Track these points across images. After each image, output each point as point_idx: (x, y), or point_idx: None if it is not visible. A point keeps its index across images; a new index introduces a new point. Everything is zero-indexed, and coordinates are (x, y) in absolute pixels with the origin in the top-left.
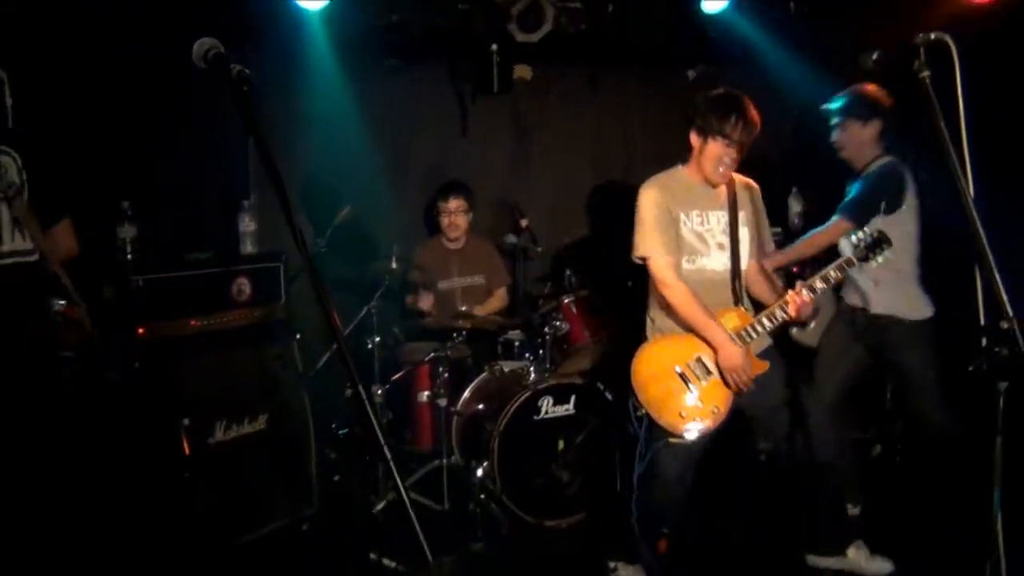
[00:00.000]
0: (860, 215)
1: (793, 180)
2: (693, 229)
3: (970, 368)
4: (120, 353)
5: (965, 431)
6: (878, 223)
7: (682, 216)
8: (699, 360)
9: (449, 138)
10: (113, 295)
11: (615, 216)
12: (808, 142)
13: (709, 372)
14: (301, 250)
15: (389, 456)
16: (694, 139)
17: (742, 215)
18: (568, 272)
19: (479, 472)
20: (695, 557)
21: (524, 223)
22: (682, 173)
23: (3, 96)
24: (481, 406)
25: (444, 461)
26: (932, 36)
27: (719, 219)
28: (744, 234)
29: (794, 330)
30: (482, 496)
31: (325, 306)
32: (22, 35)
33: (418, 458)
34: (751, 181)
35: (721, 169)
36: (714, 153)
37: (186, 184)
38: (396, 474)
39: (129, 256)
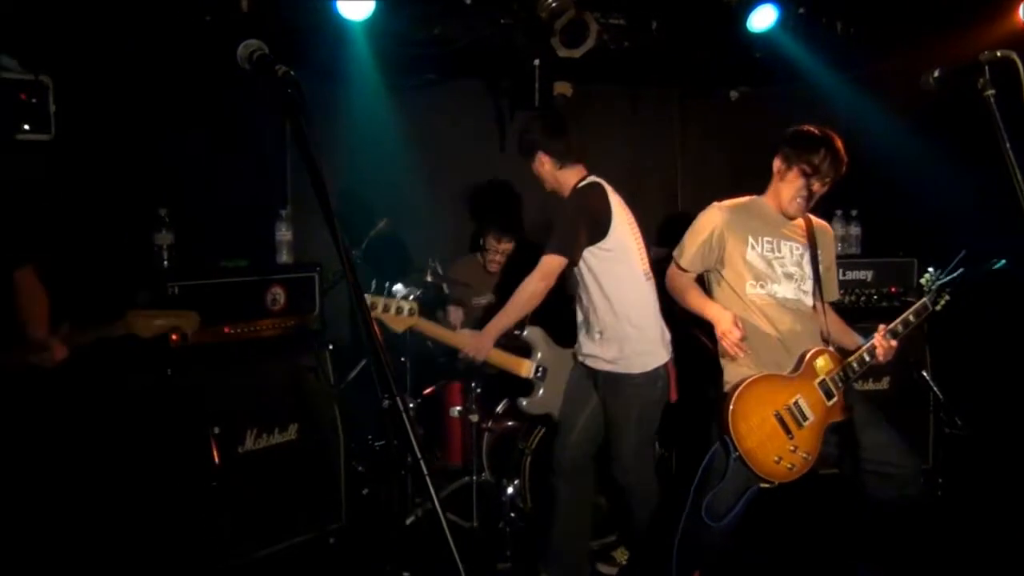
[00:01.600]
0: (566, 248)
1: (837, 204)
2: (762, 255)
3: None
4: (153, 359)
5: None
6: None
7: (750, 240)
8: (797, 404)
9: (487, 153)
10: (148, 301)
11: (649, 237)
12: (854, 165)
13: (806, 418)
14: (341, 255)
15: (425, 470)
16: (778, 165)
17: (820, 254)
18: None
19: (510, 490)
20: None
21: None
22: (759, 201)
23: (47, 102)
24: (513, 423)
25: (474, 478)
26: (998, 54)
27: (792, 250)
28: (822, 272)
29: (523, 401)
30: (512, 515)
31: (365, 314)
32: (66, 41)
33: (448, 474)
34: (827, 225)
35: (799, 200)
36: (795, 183)
37: (224, 192)
38: (431, 488)
39: (165, 263)
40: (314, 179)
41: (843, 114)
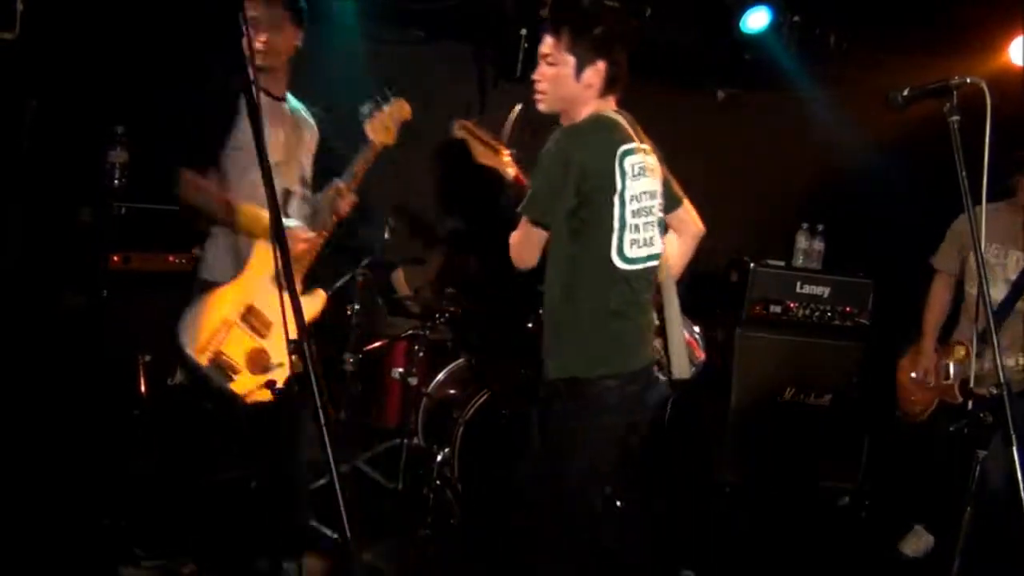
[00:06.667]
0: None
1: (804, 217)
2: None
3: (951, 428)
4: (89, 278)
5: None
6: None
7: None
8: None
9: (463, 118)
10: (91, 217)
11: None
12: (827, 181)
13: None
14: (269, 200)
15: (323, 420)
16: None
17: None
18: None
19: (439, 458)
20: None
21: None
22: (1001, 208)
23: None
24: (453, 391)
25: (405, 441)
26: (968, 80)
27: (1019, 260)
28: None
29: None
30: (438, 482)
31: (283, 257)
32: None
33: (380, 434)
34: None
35: None
36: None
37: (188, 118)
38: (327, 442)
39: (116, 182)
40: (254, 125)
41: (821, 129)
